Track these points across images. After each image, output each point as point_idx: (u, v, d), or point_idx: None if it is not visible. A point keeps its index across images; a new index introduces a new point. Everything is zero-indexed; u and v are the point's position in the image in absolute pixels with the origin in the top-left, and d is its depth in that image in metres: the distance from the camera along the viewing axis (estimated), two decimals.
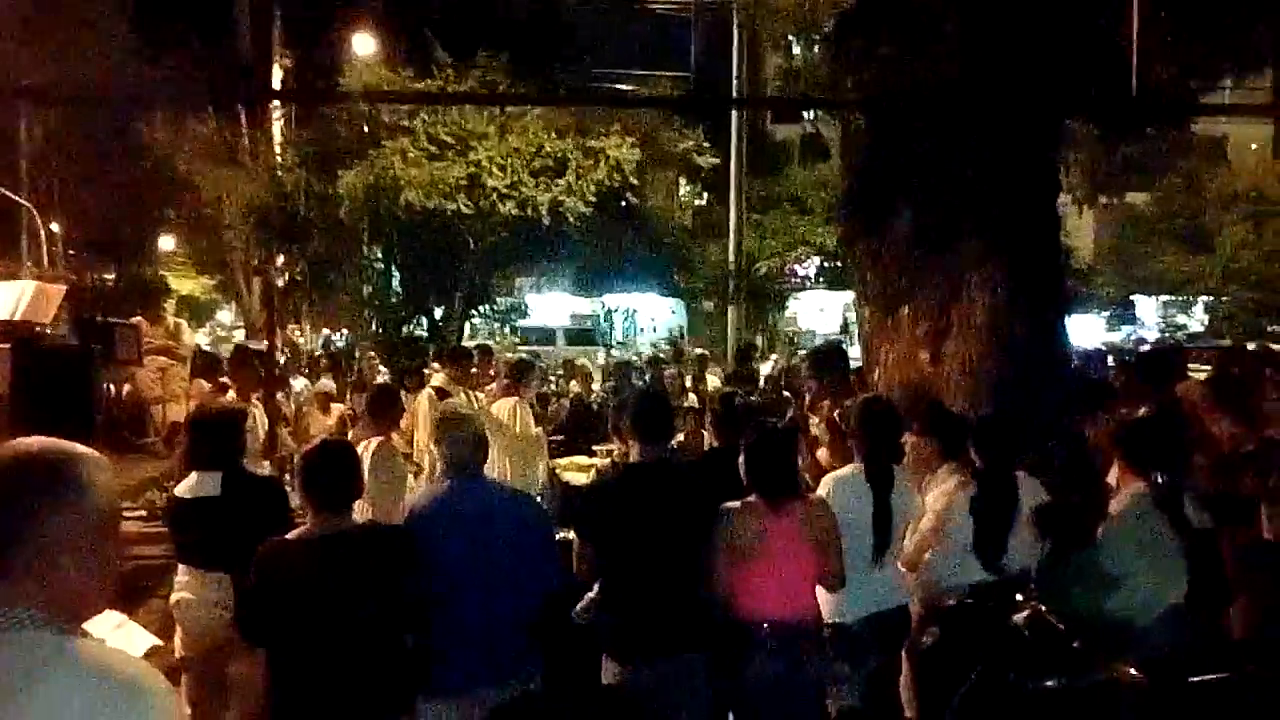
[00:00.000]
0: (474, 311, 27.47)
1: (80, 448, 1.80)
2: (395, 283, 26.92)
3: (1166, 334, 30.08)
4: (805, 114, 25.41)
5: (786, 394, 11.42)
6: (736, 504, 4.29)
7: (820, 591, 4.38)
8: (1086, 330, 27.75)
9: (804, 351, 19.78)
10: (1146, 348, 15.35)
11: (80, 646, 1.69)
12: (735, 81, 18.02)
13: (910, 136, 6.42)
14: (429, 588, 3.85)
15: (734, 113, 18.19)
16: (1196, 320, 32.88)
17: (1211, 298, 31.43)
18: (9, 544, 1.67)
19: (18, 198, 18.51)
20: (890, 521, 4.66)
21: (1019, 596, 4.46)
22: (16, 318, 7.86)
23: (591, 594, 4.43)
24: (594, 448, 8.88)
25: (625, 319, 33.23)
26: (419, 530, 4.00)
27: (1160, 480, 4.42)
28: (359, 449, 4.76)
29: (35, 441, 1.77)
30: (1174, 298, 33.35)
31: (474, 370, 8.96)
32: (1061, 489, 5.03)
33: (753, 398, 9.45)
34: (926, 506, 4.85)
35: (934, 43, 6.29)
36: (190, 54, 18.35)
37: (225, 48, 19.24)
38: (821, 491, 4.69)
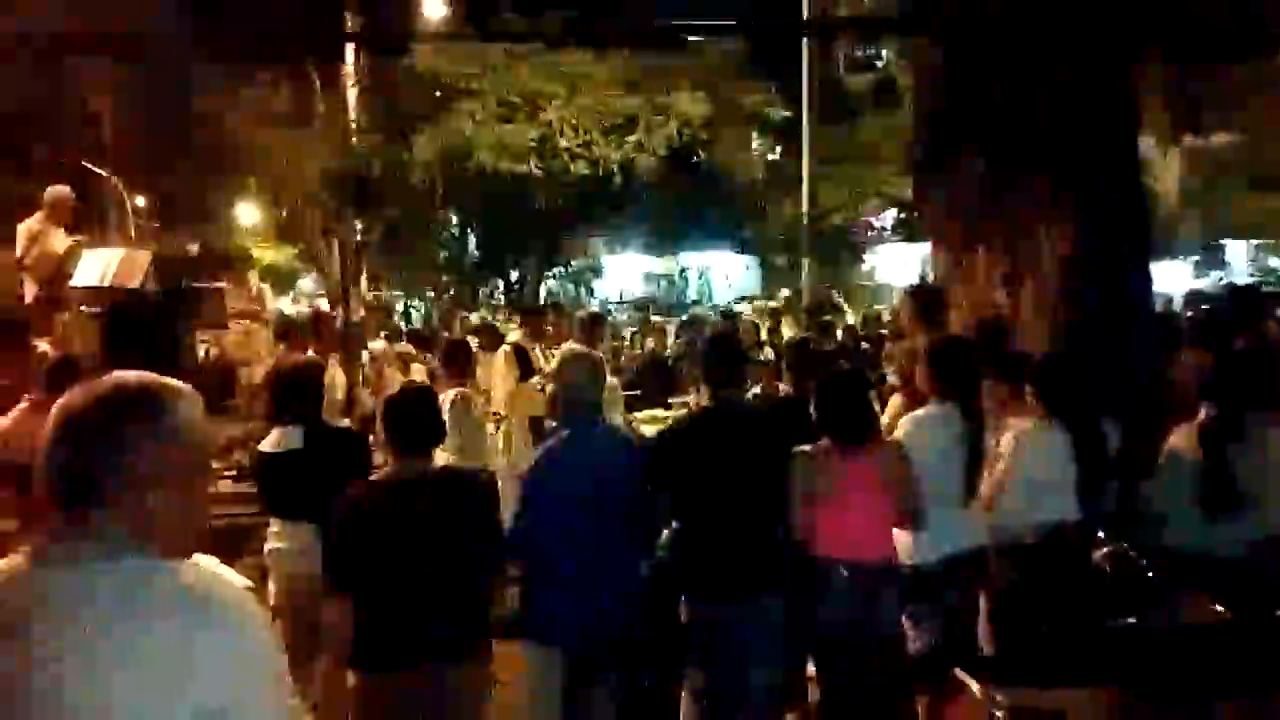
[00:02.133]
0: (549, 273, 27.67)
1: (176, 383, 1.82)
2: (471, 245, 27.23)
3: (1258, 279, 29.11)
4: (878, 59, 24.98)
5: (866, 345, 11.37)
6: (809, 448, 4.30)
7: (898, 533, 4.38)
8: (1173, 275, 27.00)
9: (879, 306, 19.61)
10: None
11: (182, 570, 1.71)
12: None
13: (983, 73, 6.29)
14: (524, 532, 3.95)
15: (805, 60, 17.81)
16: None
17: None
18: (106, 473, 1.69)
19: (103, 171, 18.98)
20: (982, 461, 4.63)
21: (1100, 534, 4.41)
22: (106, 283, 8.10)
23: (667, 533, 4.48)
24: (669, 400, 8.92)
25: (700, 277, 33.15)
26: (536, 480, 4.08)
27: (1210, 416, 4.37)
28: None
29: (134, 375, 1.80)
30: (1266, 241, 32.20)
31: (548, 327, 9.04)
32: (1137, 429, 4.95)
33: (827, 346, 9.41)
34: (1002, 447, 4.79)
35: None
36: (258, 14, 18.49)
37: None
38: (900, 432, 4.66)
